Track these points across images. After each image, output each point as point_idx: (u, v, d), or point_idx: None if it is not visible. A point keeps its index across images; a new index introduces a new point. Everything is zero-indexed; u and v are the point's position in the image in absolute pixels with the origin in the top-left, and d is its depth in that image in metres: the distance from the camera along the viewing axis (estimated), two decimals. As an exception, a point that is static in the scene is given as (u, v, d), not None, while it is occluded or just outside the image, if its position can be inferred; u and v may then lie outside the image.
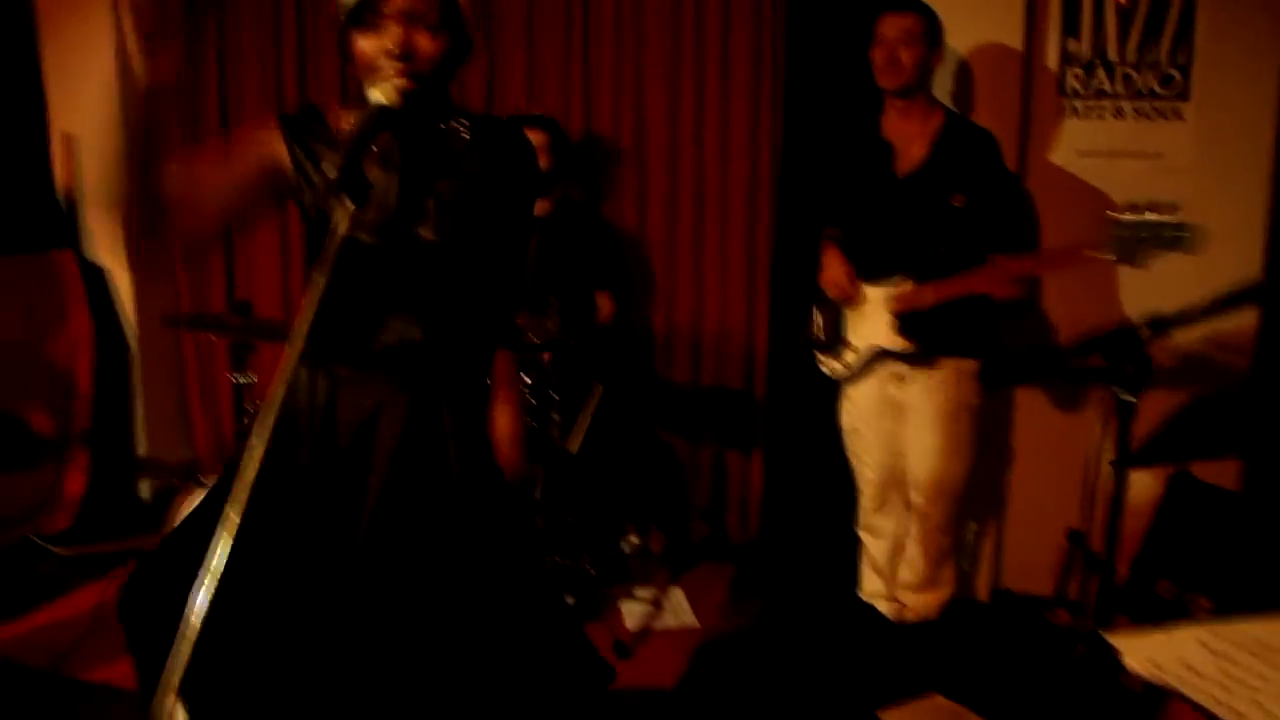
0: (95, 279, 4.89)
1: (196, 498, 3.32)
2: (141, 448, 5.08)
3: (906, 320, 3.22)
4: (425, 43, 1.74)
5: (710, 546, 4.36)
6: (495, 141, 1.91)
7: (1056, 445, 3.79)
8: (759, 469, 4.32)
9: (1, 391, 4.41)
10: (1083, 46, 3.70)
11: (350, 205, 1.58)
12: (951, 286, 3.14)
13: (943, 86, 3.62)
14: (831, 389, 3.55)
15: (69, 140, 4.90)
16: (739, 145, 4.18)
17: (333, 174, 1.60)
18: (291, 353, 1.46)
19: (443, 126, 1.89)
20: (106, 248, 4.93)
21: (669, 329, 4.38)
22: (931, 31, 3.21)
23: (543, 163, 3.68)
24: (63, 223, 4.91)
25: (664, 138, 4.28)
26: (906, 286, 3.21)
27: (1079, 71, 3.71)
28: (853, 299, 3.31)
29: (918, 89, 3.24)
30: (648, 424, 4.39)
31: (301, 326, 1.46)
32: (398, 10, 1.73)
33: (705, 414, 4.36)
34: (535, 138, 3.68)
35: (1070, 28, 3.70)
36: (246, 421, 3.58)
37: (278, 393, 1.43)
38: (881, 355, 3.32)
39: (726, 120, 4.19)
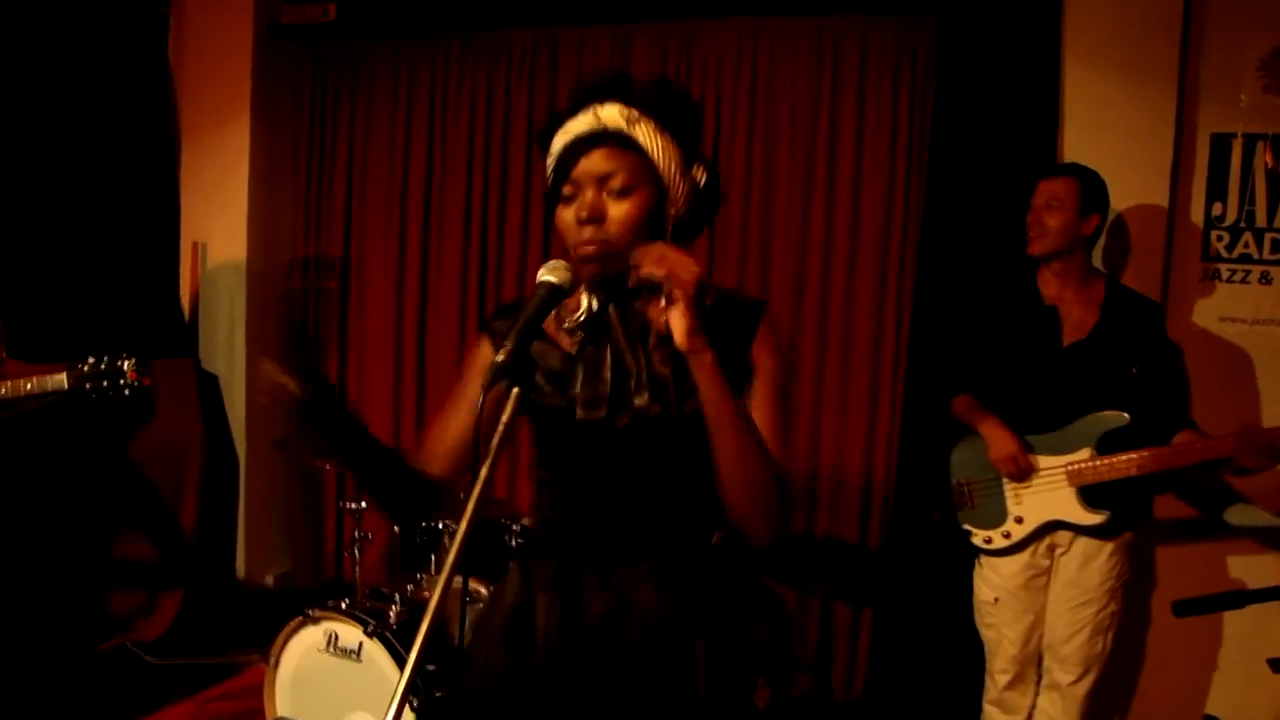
0: (210, 387, 4.96)
1: (305, 630, 3.27)
2: (241, 558, 5.09)
3: (1092, 492, 3.09)
4: (616, 209, 1.66)
5: (813, 703, 4.20)
6: (730, 324, 1.74)
7: (1196, 620, 3.58)
8: (869, 625, 4.17)
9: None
10: (1229, 209, 3.60)
11: (517, 391, 1.53)
12: (1179, 456, 3.00)
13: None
14: (961, 553, 3.40)
15: (197, 247, 5.03)
16: (866, 296, 4.13)
17: (498, 356, 1.52)
18: (458, 541, 1.40)
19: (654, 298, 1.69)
20: (223, 356, 5.01)
21: (786, 478, 4.27)
22: (1088, 196, 3.13)
23: None
24: (184, 330, 5.00)
25: (788, 284, 4.25)
26: (1086, 456, 3.09)
27: (1224, 234, 3.61)
28: (1029, 474, 3.17)
29: (1067, 254, 3.16)
30: (757, 573, 4.25)
31: (471, 508, 1.40)
32: (585, 175, 1.66)
33: (817, 565, 4.23)
34: None
35: (1216, 190, 3.61)
36: (357, 551, 3.53)
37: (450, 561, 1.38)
38: (1054, 527, 3.17)
39: (853, 272, 4.16)
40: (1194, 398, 3.59)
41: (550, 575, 1.81)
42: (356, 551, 3.56)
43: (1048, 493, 3.14)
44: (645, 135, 1.67)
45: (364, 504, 3.59)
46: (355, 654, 3.17)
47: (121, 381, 3.10)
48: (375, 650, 3.10)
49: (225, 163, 4.96)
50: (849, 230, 4.16)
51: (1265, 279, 3.59)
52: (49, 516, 4.07)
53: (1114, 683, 3.68)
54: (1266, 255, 3.58)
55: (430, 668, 3.08)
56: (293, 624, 3.29)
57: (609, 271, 1.67)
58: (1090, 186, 3.15)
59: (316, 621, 3.25)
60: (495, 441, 1.47)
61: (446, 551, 3.59)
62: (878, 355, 4.14)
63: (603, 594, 1.76)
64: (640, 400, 1.71)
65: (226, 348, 5.02)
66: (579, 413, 1.74)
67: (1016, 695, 3.35)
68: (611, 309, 1.74)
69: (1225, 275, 3.63)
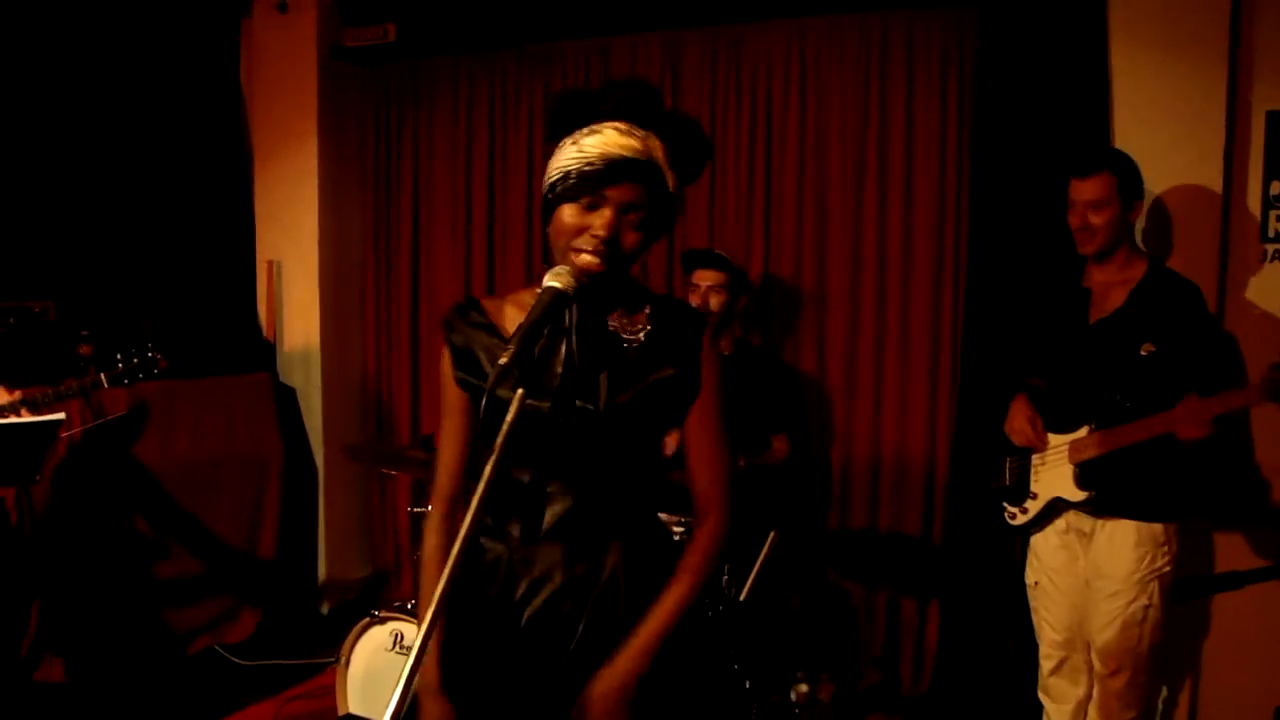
0: (287, 400, 5.14)
1: (372, 630, 3.39)
2: (323, 564, 5.26)
3: (1086, 469, 3.08)
4: (630, 236, 1.75)
5: (881, 697, 4.21)
6: (672, 324, 1.87)
7: (1262, 608, 3.53)
8: (935, 618, 4.16)
9: (199, 505, 4.64)
10: (1288, 189, 3.53)
11: (520, 390, 1.60)
12: (1129, 432, 2.99)
13: (1137, 226, 3.47)
14: (1016, 540, 3.40)
15: (272, 266, 5.22)
16: (921, 291, 4.14)
17: (503, 358, 1.59)
18: (468, 528, 1.47)
19: (620, 309, 1.87)
20: (300, 370, 5.19)
21: (846, 472, 4.30)
22: (1127, 187, 3.11)
23: (717, 301, 3.71)
24: (261, 345, 5.20)
25: (845, 281, 4.27)
26: (1084, 433, 3.09)
27: (1283, 214, 3.54)
28: (1037, 446, 3.19)
29: (1116, 248, 3.14)
30: (822, 568, 4.29)
31: (475, 506, 1.47)
32: (616, 199, 1.73)
33: (881, 559, 4.24)
34: (711, 276, 3.73)
35: (1274, 169, 3.53)
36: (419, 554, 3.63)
37: (450, 562, 1.46)
38: (1061, 505, 3.17)
39: (909, 264, 4.17)
40: (1256, 380, 3.51)
41: (500, 564, 1.87)
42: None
43: (1055, 469, 3.17)
44: (671, 180, 1.79)
45: (430, 508, 3.70)
46: (405, 649, 3.28)
47: (156, 371, 3.28)
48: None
49: (296, 182, 5.14)
50: (902, 224, 4.17)
51: (1326, 258, 3.51)
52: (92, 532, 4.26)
53: (1178, 676, 3.64)
54: (1327, 234, 3.50)
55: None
56: (361, 625, 3.41)
57: (601, 284, 1.76)
58: (1127, 175, 3.12)
59: (383, 622, 3.37)
60: (500, 440, 1.54)
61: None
62: (936, 350, 4.14)
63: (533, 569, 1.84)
64: (580, 394, 1.79)
65: (303, 361, 5.19)
66: (529, 403, 1.79)
67: (1063, 683, 3.32)
68: (575, 309, 1.79)
69: (1285, 256, 3.55)
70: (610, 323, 1.86)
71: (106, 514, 4.30)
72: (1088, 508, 3.13)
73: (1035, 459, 3.23)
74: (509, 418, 1.57)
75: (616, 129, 1.74)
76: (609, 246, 1.72)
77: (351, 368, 5.34)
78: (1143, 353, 3.03)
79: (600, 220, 1.72)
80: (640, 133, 1.75)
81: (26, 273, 3.72)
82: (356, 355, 5.37)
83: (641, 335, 1.85)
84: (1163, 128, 3.56)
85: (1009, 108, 3.80)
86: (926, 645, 4.20)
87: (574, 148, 1.76)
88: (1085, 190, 3.12)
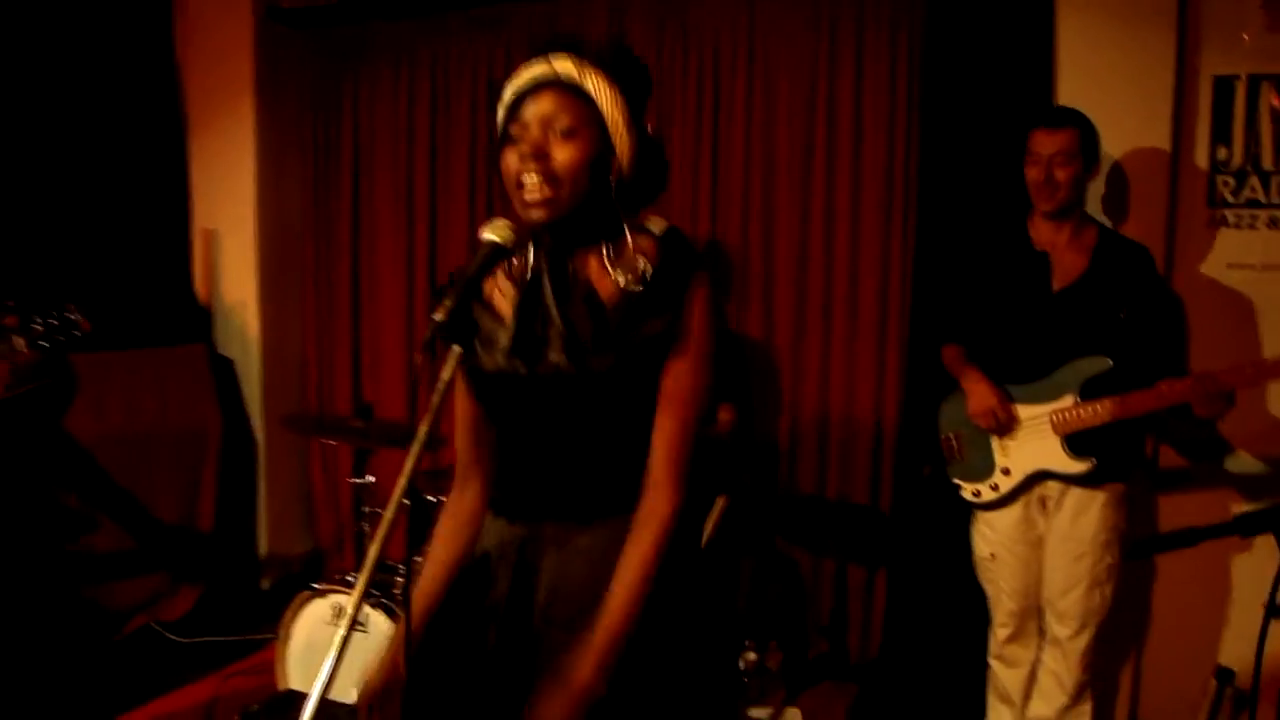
0: (225, 371, 5.01)
1: (312, 604, 3.31)
2: (263, 539, 5.16)
3: (1077, 440, 3.05)
4: (563, 150, 1.67)
5: (829, 665, 4.20)
6: (668, 269, 1.75)
7: (1203, 567, 3.55)
8: (883, 587, 4.16)
9: (135, 480, 4.52)
10: (1234, 153, 3.53)
11: (457, 349, 1.53)
12: (1144, 400, 2.96)
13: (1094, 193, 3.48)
14: (962, 511, 3.38)
15: (208, 235, 5.08)
16: (870, 253, 4.11)
17: (436, 313, 1.53)
18: (396, 495, 1.41)
19: (592, 246, 1.77)
20: (237, 341, 5.07)
21: (794, 440, 4.27)
22: (1088, 146, 3.09)
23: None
24: (197, 316, 5.06)
25: (793, 245, 4.23)
26: (1069, 403, 3.05)
27: (1229, 179, 3.54)
28: (1009, 428, 3.15)
29: (1073, 208, 3.12)
30: (769, 536, 4.26)
31: (400, 480, 1.41)
32: (532, 117, 1.68)
33: (829, 528, 4.22)
34: (645, 243, 3.67)
35: (1221, 134, 3.54)
36: (365, 526, 3.57)
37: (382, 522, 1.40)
38: (1042, 478, 3.15)
39: (857, 229, 4.13)
40: (1201, 346, 3.53)
41: (499, 531, 1.83)
42: (365, 526, 3.59)
43: (1034, 442, 3.11)
44: (594, 84, 1.69)
45: (372, 479, 3.63)
46: (362, 625, 3.20)
47: (76, 331, 3.14)
48: (380, 620, 3.14)
49: (232, 149, 5.00)
50: (850, 189, 4.12)
51: (1274, 223, 3.51)
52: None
53: (1122, 636, 3.66)
54: (1275, 198, 3.50)
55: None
56: (300, 598, 3.33)
57: (552, 216, 1.68)
58: (1089, 134, 3.11)
59: (323, 595, 3.30)
60: (435, 399, 1.48)
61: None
62: (884, 316, 4.11)
63: (536, 548, 1.77)
64: (556, 356, 1.71)
65: (240, 332, 5.07)
66: (501, 364, 1.75)
67: (1018, 649, 3.34)
68: (544, 262, 1.74)
69: (1232, 221, 3.55)
70: (593, 266, 1.76)
71: (33, 487, 4.17)
72: (1080, 478, 3.10)
73: (995, 434, 3.19)
74: (444, 375, 1.50)
75: (529, 68, 1.72)
76: (543, 174, 1.65)
77: (290, 338, 5.22)
78: (1121, 316, 3.02)
79: (525, 140, 1.67)
80: (556, 58, 1.70)
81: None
82: (295, 325, 5.25)
83: (630, 281, 1.73)
84: (1109, 91, 3.53)
85: (957, 71, 3.77)
86: (874, 613, 4.19)
87: (499, 106, 1.75)
88: (1052, 142, 3.08)
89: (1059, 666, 3.24)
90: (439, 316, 1.51)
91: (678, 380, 1.72)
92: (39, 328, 3.11)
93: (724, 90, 4.31)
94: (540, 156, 1.66)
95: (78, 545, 4.30)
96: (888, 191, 4.07)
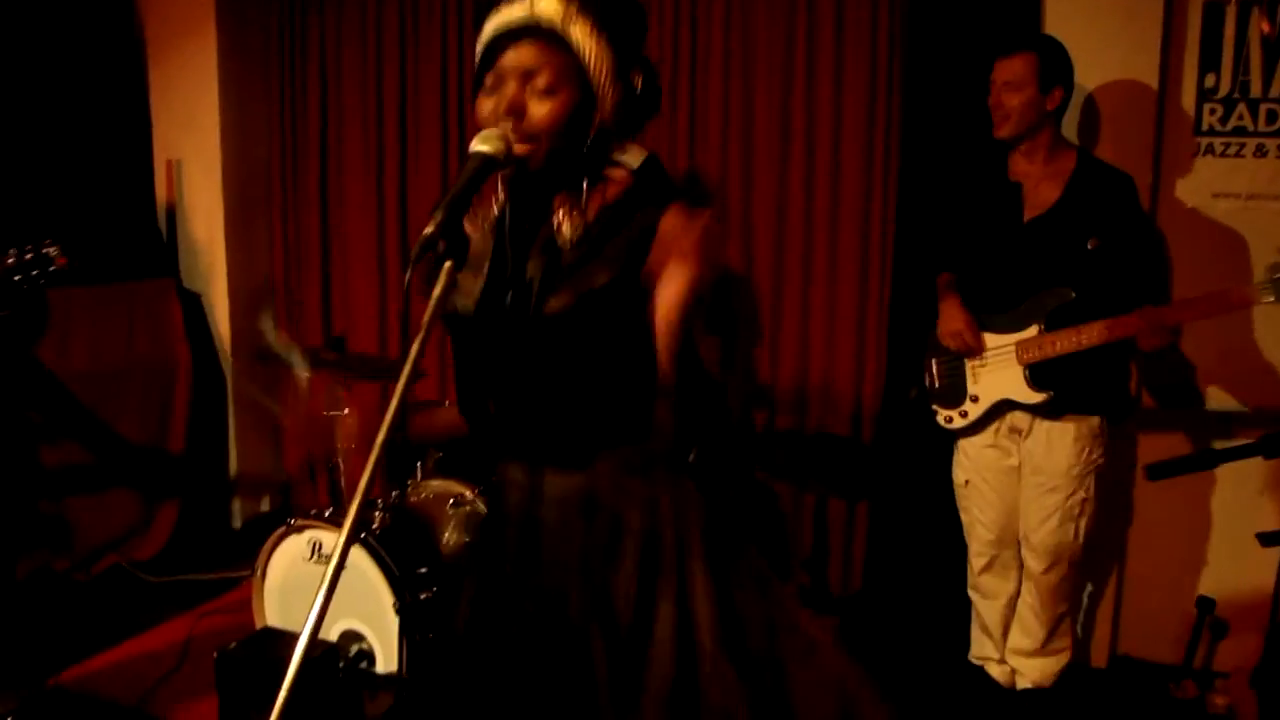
0: (193, 306, 4.91)
1: (289, 540, 3.25)
2: (235, 473, 5.08)
3: (1038, 370, 3.04)
4: (538, 108, 1.59)
5: (811, 598, 4.20)
6: (625, 213, 1.68)
7: (1182, 500, 3.56)
8: (864, 519, 4.15)
9: (99, 415, 4.42)
10: (1222, 81, 3.48)
11: (449, 263, 1.46)
12: (1092, 333, 2.94)
13: (1070, 122, 3.41)
14: (945, 441, 3.38)
15: (171, 166, 4.94)
16: (852, 186, 4.03)
17: (427, 228, 1.45)
18: (385, 424, 1.35)
19: (565, 196, 1.69)
20: (204, 275, 4.95)
21: (774, 373, 4.23)
22: (1048, 70, 3.02)
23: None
24: (162, 250, 4.93)
25: (772, 175, 4.14)
26: (1034, 334, 3.03)
27: (1217, 107, 3.50)
28: (975, 350, 3.14)
29: (1035, 131, 3.07)
30: (750, 469, 4.24)
31: (393, 401, 1.34)
32: (510, 67, 1.60)
33: (810, 461, 4.20)
34: (616, 181, 3.59)
35: (1209, 61, 3.48)
36: (341, 461, 3.50)
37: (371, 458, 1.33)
38: (1007, 407, 3.14)
39: (839, 160, 4.04)
40: (1184, 277, 3.52)
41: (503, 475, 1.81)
42: (340, 461, 3.53)
43: (999, 371, 3.12)
44: (580, 35, 1.60)
45: (346, 411, 3.56)
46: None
47: (51, 268, 3.04)
48: (359, 556, 3.08)
49: (195, 78, 4.84)
50: (831, 119, 4.03)
51: (1261, 151, 3.48)
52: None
53: (1101, 570, 3.68)
54: (1262, 127, 3.47)
55: (421, 570, 3.07)
56: (276, 534, 3.27)
57: (524, 173, 1.62)
58: (1050, 58, 3.04)
59: (300, 531, 3.24)
60: (426, 317, 1.41)
61: (431, 459, 3.58)
62: (865, 246, 4.04)
63: (527, 497, 1.75)
64: (509, 301, 1.67)
65: (207, 266, 4.95)
66: (458, 306, 1.70)
67: (993, 580, 3.35)
68: (507, 206, 1.68)
69: (1219, 150, 3.51)
70: (555, 214, 1.69)
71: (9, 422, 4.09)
72: (1041, 409, 3.09)
73: (972, 360, 3.18)
74: (436, 292, 1.43)
75: (507, 3, 1.63)
76: (518, 131, 1.58)
77: (258, 271, 5.10)
78: (1089, 247, 2.99)
79: (501, 95, 1.59)
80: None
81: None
82: (263, 257, 5.12)
83: (579, 228, 1.66)
84: (1097, 17, 3.48)
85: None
86: (855, 546, 4.19)
87: (478, 43, 1.66)
88: (1004, 69, 3.05)
89: (1034, 600, 3.26)
90: (428, 230, 1.44)
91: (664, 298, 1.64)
92: (11, 261, 3.01)
93: (700, 20, 4.19)
94: (516, 113, 1.58)
95: (50, 484, 4.23)
96: (869, 118, 3.98)
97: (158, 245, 4.94)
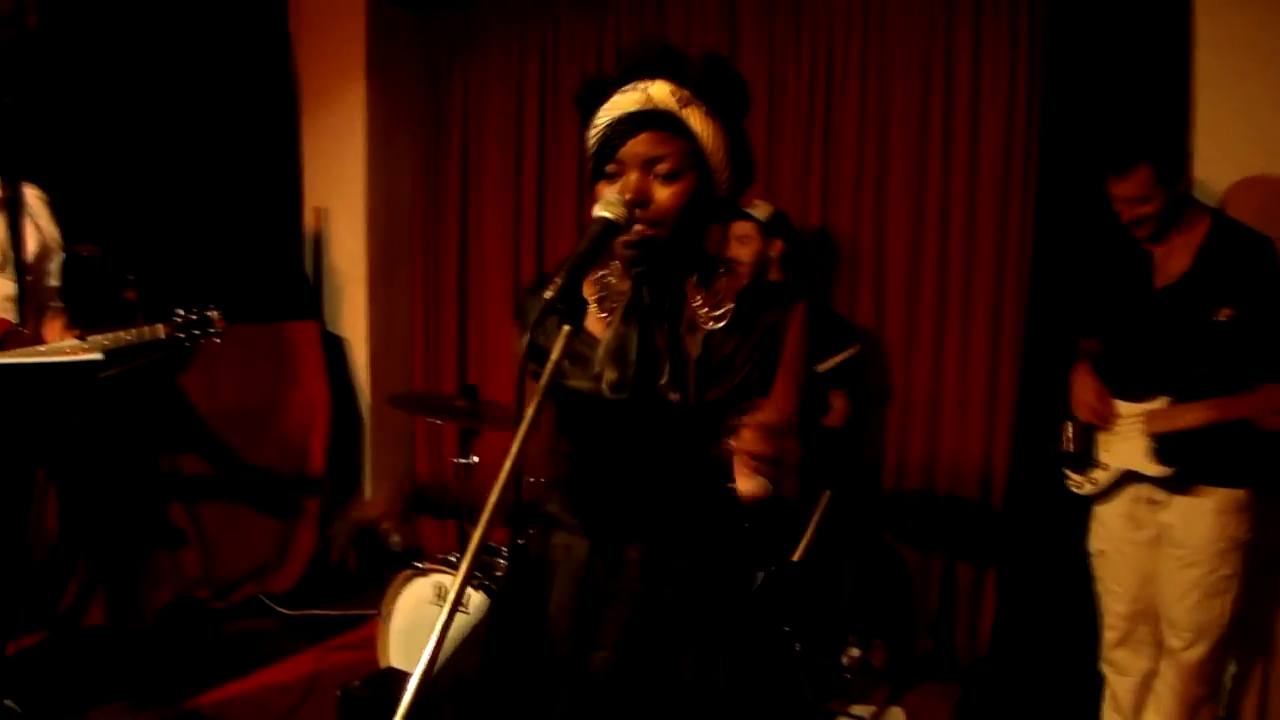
0: (335, 349, 5.08)
1: (414, 583, 3.33)
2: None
3: (1165, 443, 2.94)
4: (661, 193, 1.62)
5: (935, 665, 4.10)
6: (761, 306, 1.73)
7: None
8: (992, 586, 4.04)
9: (243, 451, 4.62)
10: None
11: (566, 327, 1.48)
12: (1216, 409, 2.84)
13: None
14: (1080, 508, 3.26)
15: (319, 212, 5.15)
16: (986, 243, 3.98)
17: (547, 291, 1.48)
18: (501, 479, 1.37)
19: (690, 281, 1.74)
20: (348, 320, 5.13)
21: (904, 434, 4.17)
22: (1165, 172, 2.93)
23: (749, 250, 3.60)
24: (308, 293, 5.14)
25: (906, 232, 4.11)
26: (1162, 405, 2.94)
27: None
28: (1107, 421, 3.06)
29: (1172, 224, 2.99)
30: (877, 531, 4.17)
31: (507, 462, 1.36)
32: (632, 154, 1.63)
33: (938, 524, 4.11)
34: (743, 227, 3.61)
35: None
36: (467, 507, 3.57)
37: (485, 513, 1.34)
38: (1133, 477, 3.04)
39: (974, 215, 4.00)
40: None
41: (565, 550, 1.79)
42: (467, 507, 3.60)
43: (1127, 441, 3.03)
44: (696, 120, 1.63)
45: (476, 459, 3.63)
46: (463, 606, 3.20)
47: (211, 330, 3.24)
48: (481, 601, 3.13)
49: (343, 128, 5.07)
50: (966, 180, 4.00)
51: None
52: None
53: (1248, 654, 3.49)
54: None
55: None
56: (402, 576, 3.35)
57: (649, 258, 1.65)
58: (1163, 160, 2.94)
59: (425, 574, 3.31)
60: (544, 380, 1.43)
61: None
62: (999, 307, 3.98)
63: (610, 572, 1.74)
64: (663, 384, 1.68)
65: (349, 310, 5.13)
66: (604, 392, 1.70)
67: (1127, 654, 3.21)
68: (645, 290, 1.70)
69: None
70: (688, 294, 1.74)
71: (151, 454, 4.30)
72: (1166, 483, 2.99)
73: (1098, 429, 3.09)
74: (554, 356, 1.45)
75: (620, 93, 1.65)
76: (644, 219, 1.62)
77: (398, 316, 5.27)
78: (1221, 318, 2.88)
79: (625, 184, 1.62)
80: (644, 84, 1.63)
81: (74, 217, 3.68)
82: (403, 304, 5.29)
83: (725, 318, 1.72)
84: (1250, 76, 3.36)
85: (1082, 47, 3.64)
86: (983, 613, 4.08)
87: (592, 130, 1.69)
88: (1125, 189, 2.97)
89: (1173, 679, 3.10)
90: (549, 294, 1.46)
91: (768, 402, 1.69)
92: (179, 319, 3.23)
93: (836, 76, 4.21)
94: (642, 205, 1.62)
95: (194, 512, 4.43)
96: (1004, 181, 3.94)
97: (304, 289, 5.15)
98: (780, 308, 1.72)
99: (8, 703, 3.43)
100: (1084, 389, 3.11)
